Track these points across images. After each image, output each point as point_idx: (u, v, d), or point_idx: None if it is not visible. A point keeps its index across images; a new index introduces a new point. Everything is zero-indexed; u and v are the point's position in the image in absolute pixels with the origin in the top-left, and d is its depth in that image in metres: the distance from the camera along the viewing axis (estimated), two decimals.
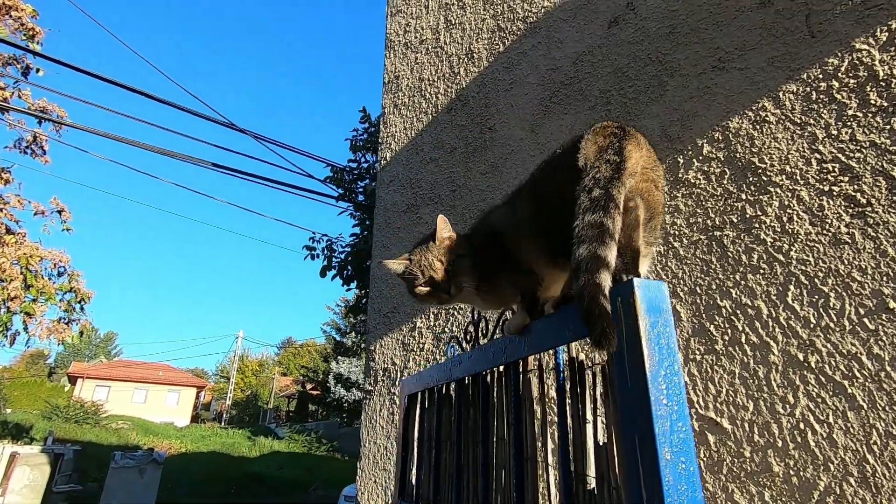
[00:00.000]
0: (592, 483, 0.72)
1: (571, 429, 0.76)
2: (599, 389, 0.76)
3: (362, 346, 26.35)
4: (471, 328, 1.25)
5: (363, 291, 10.44)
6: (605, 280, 0.66)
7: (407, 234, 2.44)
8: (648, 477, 0.56)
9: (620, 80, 1.77)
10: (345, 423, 26.41)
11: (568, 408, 0.77)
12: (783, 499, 1.10)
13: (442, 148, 2.45)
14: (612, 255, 0.68)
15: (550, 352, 0.86)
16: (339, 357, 25.60)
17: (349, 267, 10.71)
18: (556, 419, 0.88)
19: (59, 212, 9.03)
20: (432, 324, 2.11)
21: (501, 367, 1.02)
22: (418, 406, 1.51)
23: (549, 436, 0.88)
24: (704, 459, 1.23)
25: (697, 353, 1.31)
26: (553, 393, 0.88)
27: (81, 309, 8.90)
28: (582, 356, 0.84)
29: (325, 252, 11.73)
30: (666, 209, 1.48)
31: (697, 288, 1.36)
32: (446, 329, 2.03)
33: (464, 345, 1.26)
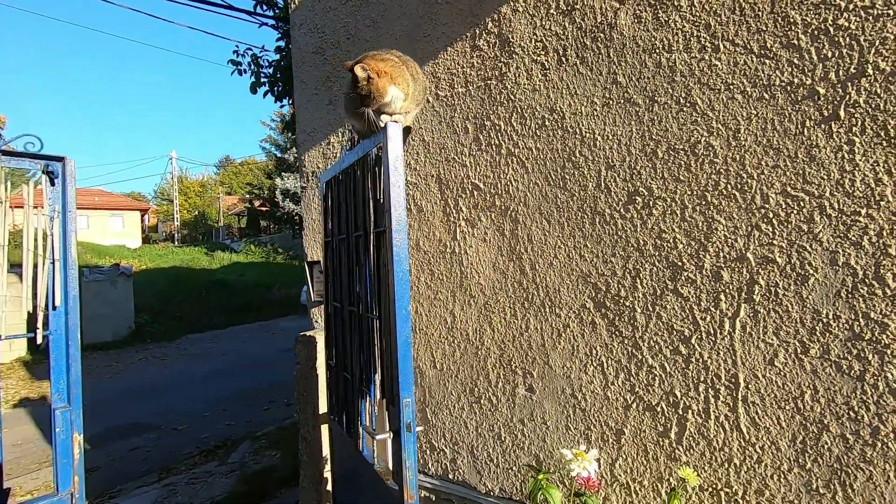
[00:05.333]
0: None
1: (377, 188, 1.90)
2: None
3: None
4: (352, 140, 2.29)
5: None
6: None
7: (318, 73, 3.25)
8: (386, 192, 1.70)
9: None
10: (298, 234, 28.15)
11: (377, 177, 1.90)
12: (448, 288, 2.37)
13: None
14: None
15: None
16: (283, 173, 25.95)
17: (279, 83, 10.73)
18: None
19: None
20: (341, 139, 3.13)
21: (359, 158, 2.11)
22: (331, 188, 2.64)
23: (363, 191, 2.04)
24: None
25: (475, 149, 2.44)
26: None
27: None
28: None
29: (252, 66, 11.46)
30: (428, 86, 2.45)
31: (484, 120, 2.43)
32: (346, 144, 3.06)
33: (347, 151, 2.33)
